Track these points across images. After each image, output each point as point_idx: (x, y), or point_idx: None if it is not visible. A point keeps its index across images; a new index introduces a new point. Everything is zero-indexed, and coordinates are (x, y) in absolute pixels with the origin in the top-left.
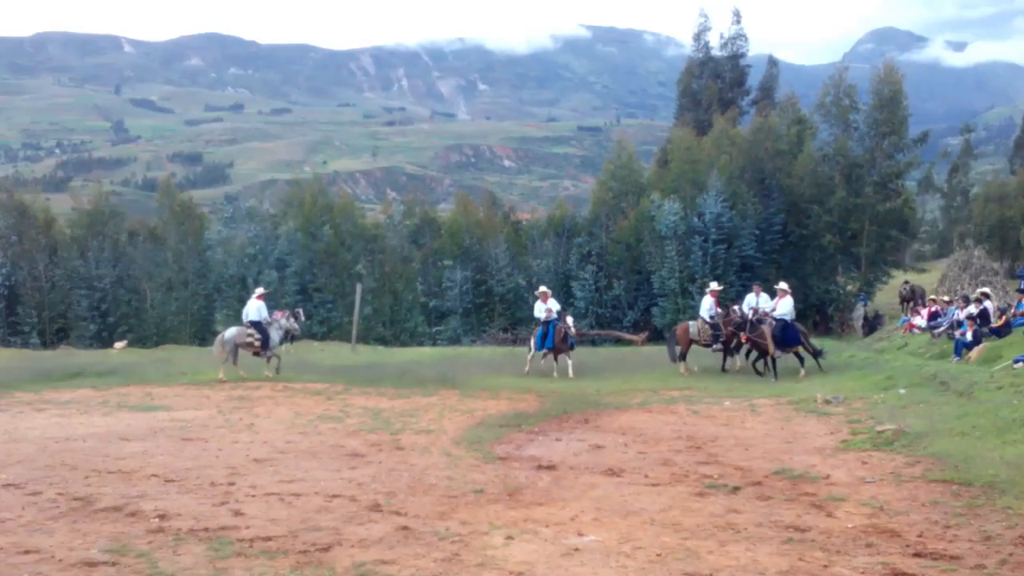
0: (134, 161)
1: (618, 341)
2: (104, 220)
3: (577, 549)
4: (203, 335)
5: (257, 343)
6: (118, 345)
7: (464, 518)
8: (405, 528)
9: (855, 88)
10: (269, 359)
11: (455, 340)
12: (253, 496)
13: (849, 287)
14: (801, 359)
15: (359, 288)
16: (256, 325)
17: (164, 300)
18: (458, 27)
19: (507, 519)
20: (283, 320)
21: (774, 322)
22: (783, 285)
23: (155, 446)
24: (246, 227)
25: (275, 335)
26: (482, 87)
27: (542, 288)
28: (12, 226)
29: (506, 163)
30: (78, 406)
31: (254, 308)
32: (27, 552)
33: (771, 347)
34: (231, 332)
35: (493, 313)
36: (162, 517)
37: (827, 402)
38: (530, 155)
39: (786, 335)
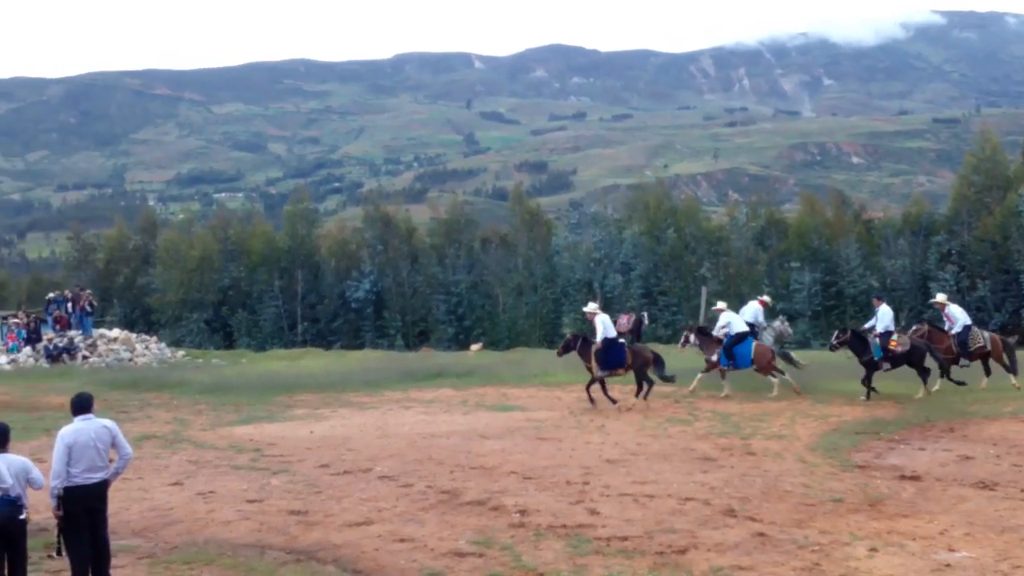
0: (484, 171)
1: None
2: (459, 228)
3: (948, 565)
4: (551, 338)
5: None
6: (474, 347)
7: (823, 527)
8: (761, 535)
9: None
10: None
11: (803, 344)
12: (607, 496)
13: None
14: None
15: (704, 291)
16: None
17: (515, 304)
18: (800, 21)
19: (870, 530)
20: (777, 324)
21: None
22: None
23: (513, 444)
24: (591, 232)
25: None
26: (827, 82)
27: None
28: (378, 236)
29: (854, 160)
30: (440, 405)
31: (750, 312)
32: (403, 540)
33: None
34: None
35: (844, 316)
36: (523, 512)
37: None
38: (880, 151)
39: None
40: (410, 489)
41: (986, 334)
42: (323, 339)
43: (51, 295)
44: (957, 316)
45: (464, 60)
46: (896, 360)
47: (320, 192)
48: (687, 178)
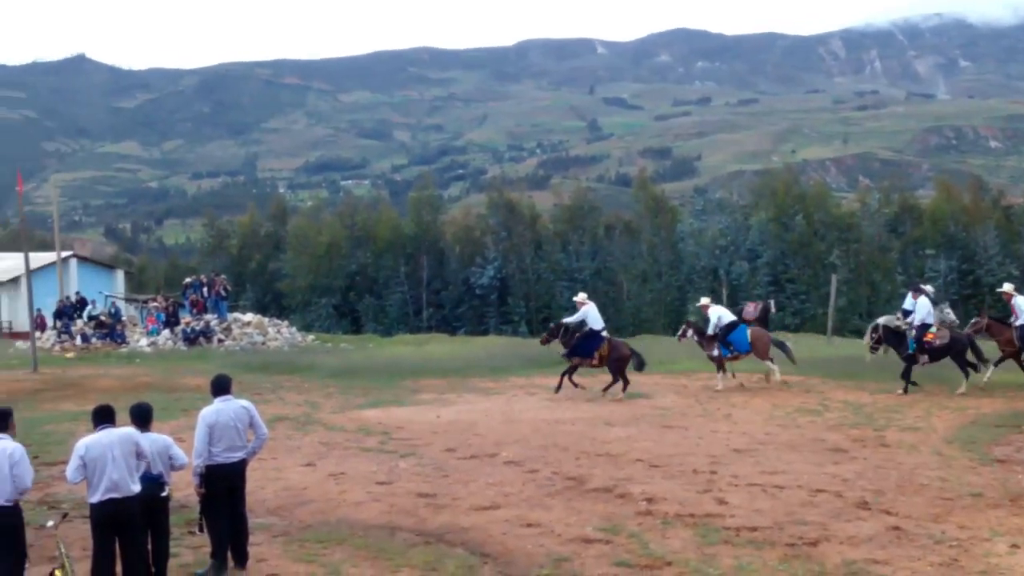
0: (607, 158)
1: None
2: (583, 215)
3: None
4: (675, 325)
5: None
6: None
7: (961, 522)
8: (896, 528)
9: None
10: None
11: None
12: (735, 485)
13: None
14: None
15: (834, 279)
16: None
17: (639, 291)
18: (935, 2)
19: (1011, 526)
20: (945, 310)
21: None
22: None
23: (638, 432)
24: (716, 219)
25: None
26: (964, 64)
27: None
28: (502, 223)
29: (992, 144)
30: (565, 391)
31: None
32: (530, 525)
33: None
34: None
35: (982, 304)
36: (649, 500)
37: None
38: (1020, 135)
39: None
40: (536, 475)
41: None
42: (448, 325)
43: (188, 280)
44: (1023, 308)
45: (587, 46)
46: (935, 353)
47: (444, 179)
48: (815, 163)
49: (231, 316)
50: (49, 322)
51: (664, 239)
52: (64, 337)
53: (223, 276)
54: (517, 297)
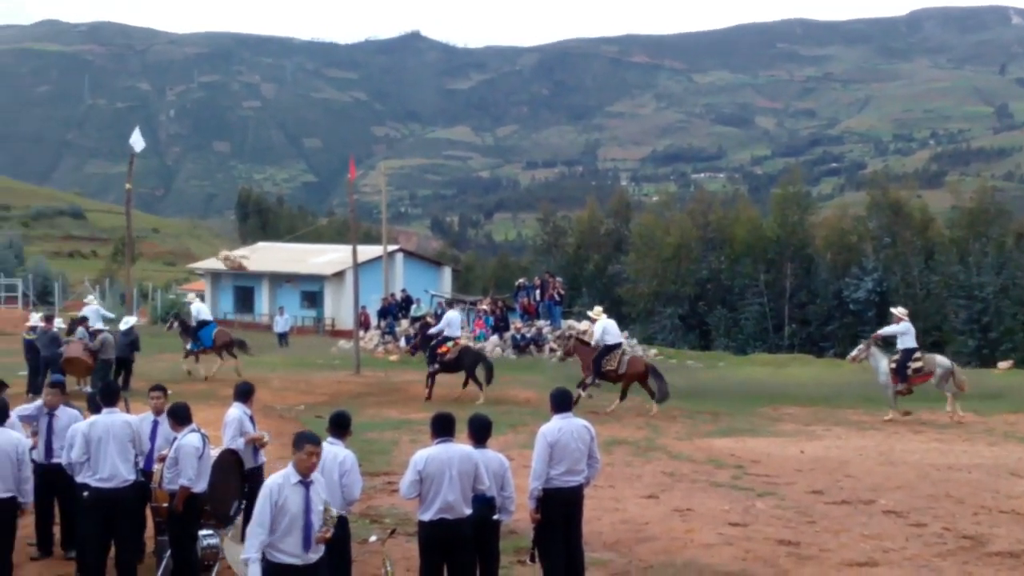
0: (1019, 151)
1: None
2: (987, 220)
3: None
4: None
5: None
6: (1002, 365)
7: None
8: None
9: None
10: None
11: None
12: None
13: None
14: None
15: None
16: None
17: None
18: None
19: None
20: None
21: None
22: None
23: None
24: None
25: None
26: None
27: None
28: (885, 226)
29: None
30: (959, 431)
31: None
32: None
33: None
34: None
35: None
36: None
37: None
38: None
39: None
40: (923, 529)
41: None
42: (814, 344)
43: (520, 281)
44: None
45: (998, 15)
46: None
47: (814, 173)
48: None
49: (565, 323)
50: (373, 321)
51: None
52: (388, 338)
53: (558, 278)
54: None
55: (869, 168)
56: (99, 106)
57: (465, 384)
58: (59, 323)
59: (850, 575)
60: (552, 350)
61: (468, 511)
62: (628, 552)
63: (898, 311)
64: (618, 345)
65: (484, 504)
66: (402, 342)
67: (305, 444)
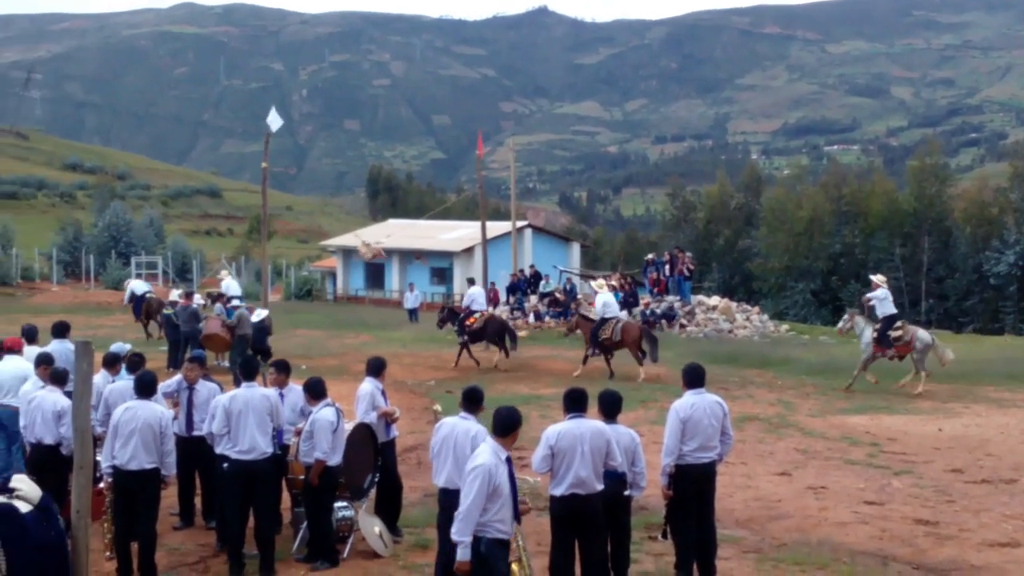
0: None
1: None
2: None
3: None
4: None
5: None
6: None
7: None
8: None
9: None
10: None
11: None
12: None
13: None
14: None
15: None
16: None
17: None
18: None
19: None
20: None
21: None
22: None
23: None
24: None
25: None
26: None
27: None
28: None
29: None
30: None
31: None
32: None
33: None
34: None
35: None
36: None
37: None
38: None
39: None
40: None
41: None
42: (952, 320)
43: (649, 256)
44: None
45: None
46: None
47: (953, 144)
48: None
49: (694, 299)
50: (502, 297)
51: None
52: (517, 314)
53: (688, 253)
54: None
55: (1011, 138)
56: (234, 87)
57: (500, 348)
58: (198, 299)
59: (991, 555)
60: (682, 326)
61: (600, 486)
62: (761, 529)
63: (876, 278)
64: (614, 317)
65: (615, 480)
66: (531, 317)
67: None
